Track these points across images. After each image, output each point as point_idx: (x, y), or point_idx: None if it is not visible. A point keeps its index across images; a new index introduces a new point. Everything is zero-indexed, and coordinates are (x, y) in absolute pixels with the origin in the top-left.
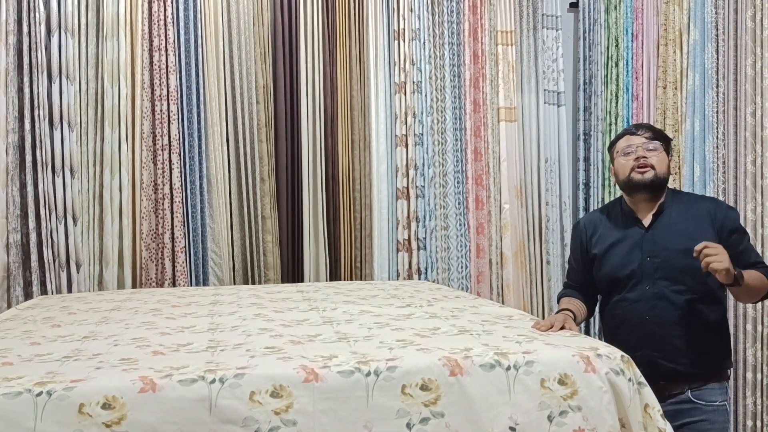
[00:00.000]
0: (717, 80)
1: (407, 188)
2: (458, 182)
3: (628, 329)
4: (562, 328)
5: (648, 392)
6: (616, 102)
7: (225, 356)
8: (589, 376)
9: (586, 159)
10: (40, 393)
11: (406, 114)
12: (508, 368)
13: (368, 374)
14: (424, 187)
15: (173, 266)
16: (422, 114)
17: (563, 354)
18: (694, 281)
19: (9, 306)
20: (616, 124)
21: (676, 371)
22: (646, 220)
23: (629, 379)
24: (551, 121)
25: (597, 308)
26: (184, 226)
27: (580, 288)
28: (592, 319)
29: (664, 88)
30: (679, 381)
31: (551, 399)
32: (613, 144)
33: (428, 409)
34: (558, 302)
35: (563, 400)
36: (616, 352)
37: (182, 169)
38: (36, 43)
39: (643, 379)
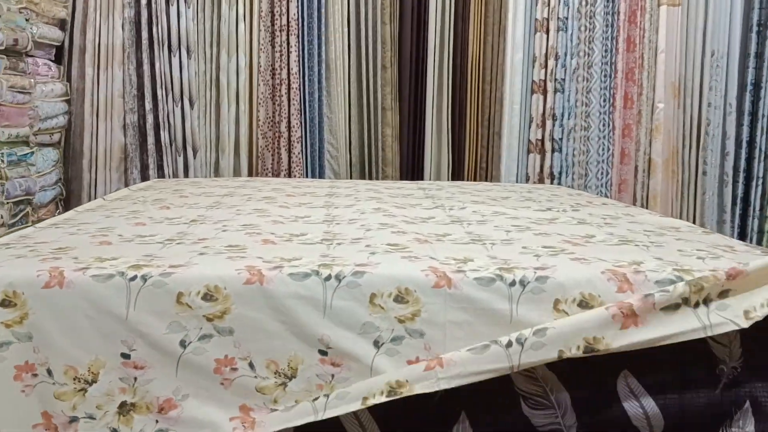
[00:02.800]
0: None
1: (545, 81)
2: (605, 76)
3: None
4: None
5: None
6: None
7: (342, 251)
8: None
9: (759, 55)
10: (134, 277)
11: None
12: None
13: (512, 284)
14: (564, 80)
15: (289, 157)
16: None
17: None
18: None
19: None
20: None
21: None
22: None
23: None
24: (722, 7)
25: None
26: (301, 114)
27: None
28: None
29: None
30: None
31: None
32: None
33: None
34: None
35: None
36: None
37: (300, 52)
38: None
39: None
